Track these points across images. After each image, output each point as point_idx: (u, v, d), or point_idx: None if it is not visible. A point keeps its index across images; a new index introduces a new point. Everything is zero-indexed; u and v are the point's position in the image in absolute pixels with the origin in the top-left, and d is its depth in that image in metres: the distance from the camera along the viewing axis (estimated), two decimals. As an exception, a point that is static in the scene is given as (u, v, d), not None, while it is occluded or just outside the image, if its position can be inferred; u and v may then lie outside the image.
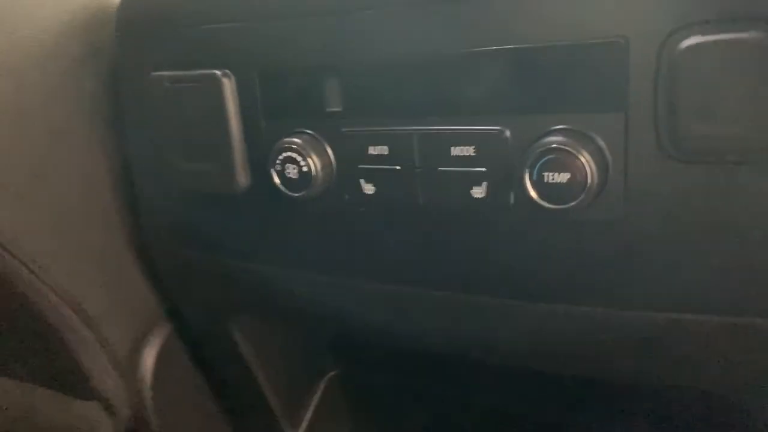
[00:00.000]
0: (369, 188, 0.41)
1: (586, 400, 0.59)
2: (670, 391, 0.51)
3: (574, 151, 0.33)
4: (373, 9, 0.37)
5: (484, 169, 0.37)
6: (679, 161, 0.32)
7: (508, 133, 0.36)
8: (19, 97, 0.46)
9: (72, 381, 0.54)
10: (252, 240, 0.49)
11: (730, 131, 0.30)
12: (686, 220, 0.33)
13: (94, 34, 0.51)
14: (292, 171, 0.42)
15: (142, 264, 0.57)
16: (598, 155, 0.33)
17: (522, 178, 0.34)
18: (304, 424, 0.67)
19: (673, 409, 0.53)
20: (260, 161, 0.44)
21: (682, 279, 0.35)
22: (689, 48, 0.30)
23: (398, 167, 0.39)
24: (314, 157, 0.41)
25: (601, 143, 0.33)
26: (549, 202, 0.34)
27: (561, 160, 0.33)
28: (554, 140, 0.33)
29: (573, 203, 0.33)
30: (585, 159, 0.33)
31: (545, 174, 0.34)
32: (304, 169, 0.41)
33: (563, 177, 0.33)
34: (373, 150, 0.39)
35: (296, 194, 0.42)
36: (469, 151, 0.37)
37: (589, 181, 0.33)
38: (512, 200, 0.36)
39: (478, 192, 0.37)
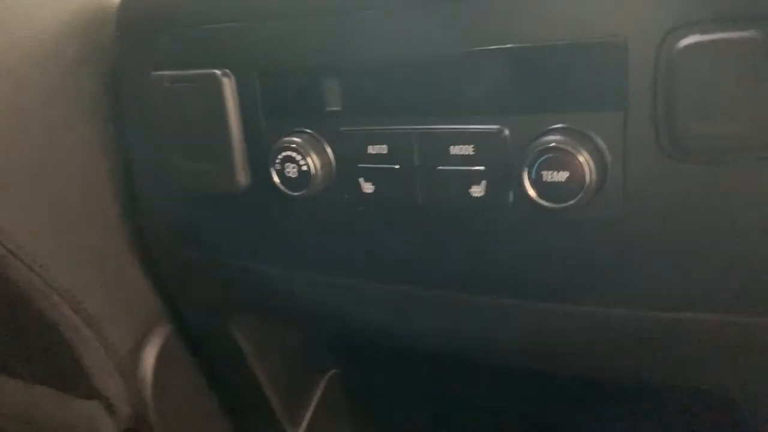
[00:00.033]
0: (368, 187, 0.41)
1: (586, 400, 0.59)
2: (671, 391, 0.50)
3: (573, 150, 0.33)
4: (373, 9, 0.38)
5: (483, 168, 0.37)
6: (678, 160, 0.32)
7: (507, 132, 0.36)
8: (19, 97, 0.46)
9: (72, 380, 0.54)
10: (251, 239, 0.49)
11: (729, 130, 0.30)
12: (686, 219, 0.33)
13: (94, 34, 0.51)
14: (291, 170, 0.42)
15: (142, 263, 0.57)
16: (596, 154, 0.33)
17: (521, 177, 0.34)
18: (305, 423, 0.67)
19: (672, 409, 0.53)
20: (260, 161, 0.44)
21: (681, 278, 0.35)
22: (688, 47, 0.30)
23: (397, 166, 0.39)
24: (314, 157, 0.41)
25: (600, 142, 0.33)
26: (548, 200, 0.34)
27: (560, 159, 0.33)
28: (553, 139, 0.33)
29: (572, 202, 0.33)
30: (584, 158, 0.33)
31: (544, 173, 0.34)
32: (304, 168, 0.41)
33: (562, 176, 0.33)
34: (372, 149, 0.39)
35: (296, 193, 0.42)
36: (468, 150, 0.37)
37: (587, 180, 0.33)
38: (511, 199, 0.36)
39: (477, 191, 0.37)
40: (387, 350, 0.63)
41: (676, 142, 0.32)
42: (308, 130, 0.42)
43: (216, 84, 0.43)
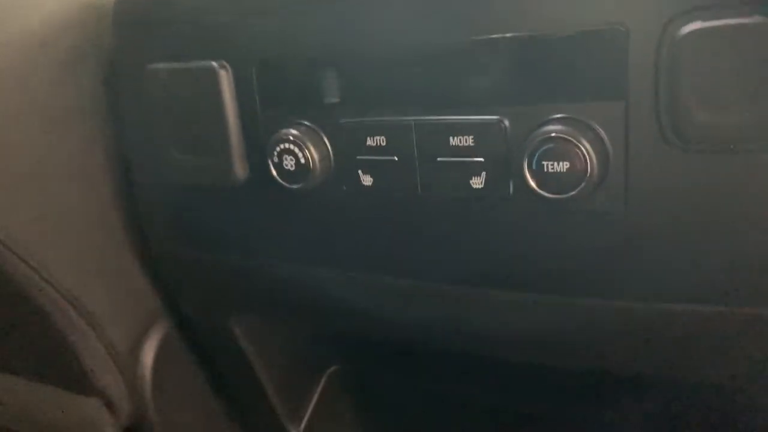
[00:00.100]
0: (367, 179, 0.40)
1: (587, 395, 0.59)
2: (670, 385, 0.50)
3: (574, 140, 0.32)
4: (371, -1, 0.37)
5: (482, 159, 0.36)
6: (680, 150, 0.32)
7: (507, 122, 0.35)
8: (18, 94, 0.45)
9: (72, 378, 0.54)
10: (250, 233, 0.49)
11: (732, 119, 0.30)
12: (688, 209, 0.33)
13: (91, 29, 0.51)
14: (289, 163, 0.41)
15: (141, 261, 0.56)
16: (598, 144, 0.33)
17: (521, 168, 0.34)
18: (305, 420, 0.67)
19: (671, 403, 0.53)
20: (258, 153, 0.43)
21: (683, 269, 0.34)
22: (690, 34, 0.30)
23: (396, 158, 0.39)
24: (312, 149, 0.41)
25: (602, 132, 0.33)
26: (549, 191, 0.34)
27: (560, 148, 0.33)
28: (554, 129, 0.33)
29: (573, 192, 0.33)
30: (585, 148, 0.32)
31: (545, 163, 0.33)
32: (302, 160, 0.41)
33: (563, 166, 0.33)
34: (371, 141, 0.39)
35: (294, 186, 0.42)
36: (467, 141, 0.36)
37: (589, 170, 0.33)
38: (511, 190, 0.36)
39: (477, 182, 0.37)
40: (388, 346, 0.63)
41: (678, 131, 0.31)
42: (306, 122, 0.41)
43: (213, 76, 0.43)
